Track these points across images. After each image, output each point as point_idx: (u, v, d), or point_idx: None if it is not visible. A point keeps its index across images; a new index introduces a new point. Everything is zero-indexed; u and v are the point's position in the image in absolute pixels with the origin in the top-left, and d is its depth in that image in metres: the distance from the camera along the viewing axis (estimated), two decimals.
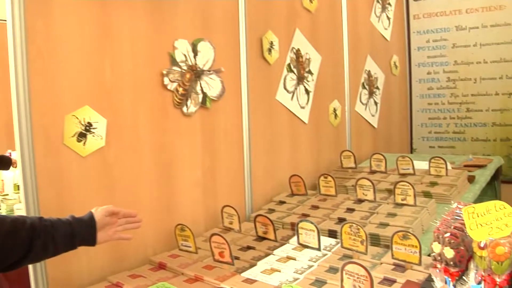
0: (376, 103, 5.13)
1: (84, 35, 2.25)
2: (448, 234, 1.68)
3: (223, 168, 3.06)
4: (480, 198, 3.44)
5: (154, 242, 2.60)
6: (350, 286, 1.80)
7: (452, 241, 1.67)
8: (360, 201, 3.07)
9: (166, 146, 2.67)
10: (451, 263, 1.67)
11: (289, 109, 3.69)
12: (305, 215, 2.93)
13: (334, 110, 4.29)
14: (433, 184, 3.35)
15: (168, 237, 2.62)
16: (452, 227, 1.73)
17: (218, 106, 2.98)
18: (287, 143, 3.69)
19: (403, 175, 3.62)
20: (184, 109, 2.75)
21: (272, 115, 3.51)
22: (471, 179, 3.63)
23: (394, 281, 2.00)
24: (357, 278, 1.77)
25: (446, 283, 1.52)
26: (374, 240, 2.53)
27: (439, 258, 1.71)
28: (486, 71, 5.57)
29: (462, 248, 1.66)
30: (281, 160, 3.61)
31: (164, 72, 2.63)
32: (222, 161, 3.04)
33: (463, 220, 1.67)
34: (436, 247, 1.71)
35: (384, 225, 2.65)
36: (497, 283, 1.57)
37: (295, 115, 3.76)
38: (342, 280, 1.83)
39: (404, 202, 2.91)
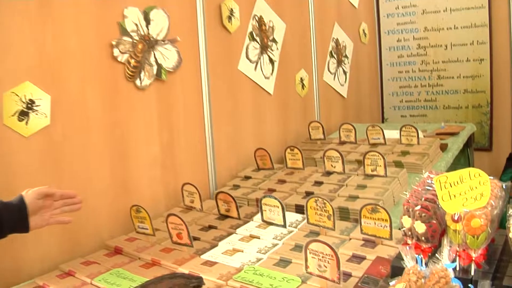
0: (345, 72, 5.00)
1: (21, 2, 2.05)
2: (418, 207, 1.55)
3: (183, 143, 2.90)
4: (453, 167, 3.38)
5: (110, 226, 2.48)
6: (315, 266, 1.67)
7: (423, 214, 1.53)
8: (328, 173, 2.94)
9: (119, 122, 2.52)
10: (423, 238, 1.54)
11: (252, 80, 3.54)
12: (271, 190, 2.80)
13: (301, 79, 4.14)
14: (404, 153, 3.25)
15: (125, 220, 2.48)
16: (423, 198, 1.60)
17: (175, 78, 2.82)
18: (251, 115, 3.54)
19: (374, 145, 3.51)
20: (137, 82, 2.58)
21: (235, 86, 3.36)
22: (443, 147, 3.56)
23: (363, 258, 1.91)
24: (322, 257, 1.64)
25: (416, 262, 1.39)
26: (344, 214, 2.43)
27: (409, 233, 1.58)
28: (457, 37, 5.46)
29: (434, 221, 1.53)
30: (246, 133, 3.47)
31: (114, 43, 2.45)
32: (181, 136, 2.89)
33: (435, 190, 1.54)
34: (406, 222, 1.58)
35: (353, 197, 2.54)
36: (473, 258, 1.44)
37: (259, 86, 3.61)
38: (306, 260, 1.69)
39: (374, 173, 2.80)
